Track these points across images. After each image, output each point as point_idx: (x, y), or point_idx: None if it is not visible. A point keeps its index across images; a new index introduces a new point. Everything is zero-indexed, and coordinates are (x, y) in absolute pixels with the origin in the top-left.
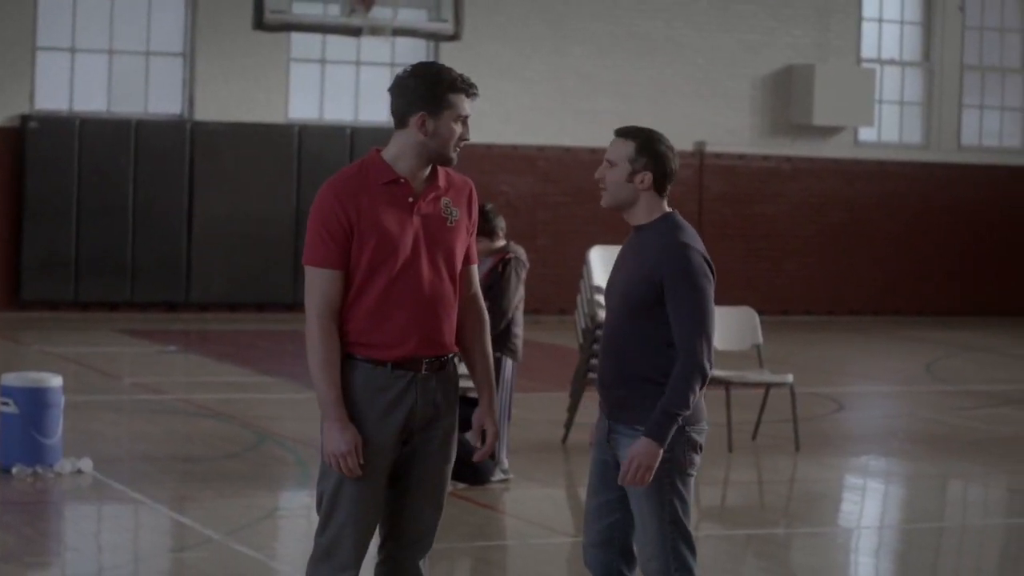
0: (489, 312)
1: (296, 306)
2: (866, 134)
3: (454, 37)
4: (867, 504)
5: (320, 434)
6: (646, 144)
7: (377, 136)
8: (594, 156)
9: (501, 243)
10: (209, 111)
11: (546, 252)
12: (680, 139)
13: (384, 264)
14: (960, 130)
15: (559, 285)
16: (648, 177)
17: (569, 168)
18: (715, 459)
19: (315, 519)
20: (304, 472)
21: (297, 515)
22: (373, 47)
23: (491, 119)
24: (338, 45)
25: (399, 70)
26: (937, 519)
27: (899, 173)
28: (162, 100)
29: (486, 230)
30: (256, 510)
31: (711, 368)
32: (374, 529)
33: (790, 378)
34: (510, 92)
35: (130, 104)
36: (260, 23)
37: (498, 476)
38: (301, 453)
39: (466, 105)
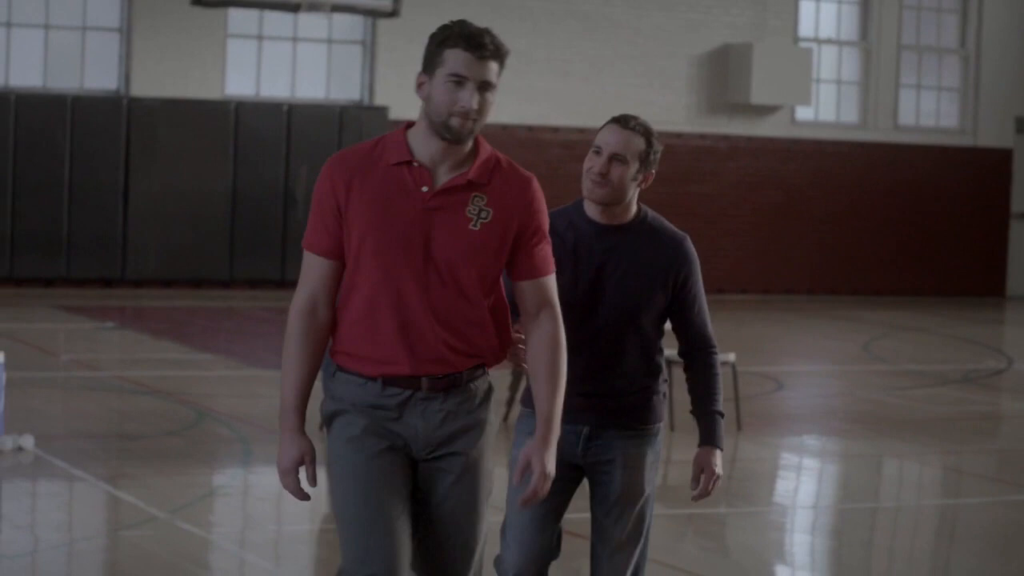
0: None
1: (232, 283)
2: (803, 113)
3: (392, 14)
4: (804, 483)
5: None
6: (655, 143)
7: (314, 113)
8: (531, 134)
9: None
10: (145, 87)
11: None
12: None
13: (372, 262)
14: (897, 110)
15: None
16: (651, 177)
17: (505, 146)
18: None
19: (257, 496)
20: (245, 449)
21: (238, 492)
22: (310, 23)
23: None
24: (275, 21)
25: (336, 47)
26: (873, 498)
27: (836, 152)
28: (98, 76)
29: None
30: (197, 488)
31: None
32: (399, 541)
33: (732, 357)
34: None
35: (66, 80)
36: None
37: None
38: (240, 430)
39: (466, 64)
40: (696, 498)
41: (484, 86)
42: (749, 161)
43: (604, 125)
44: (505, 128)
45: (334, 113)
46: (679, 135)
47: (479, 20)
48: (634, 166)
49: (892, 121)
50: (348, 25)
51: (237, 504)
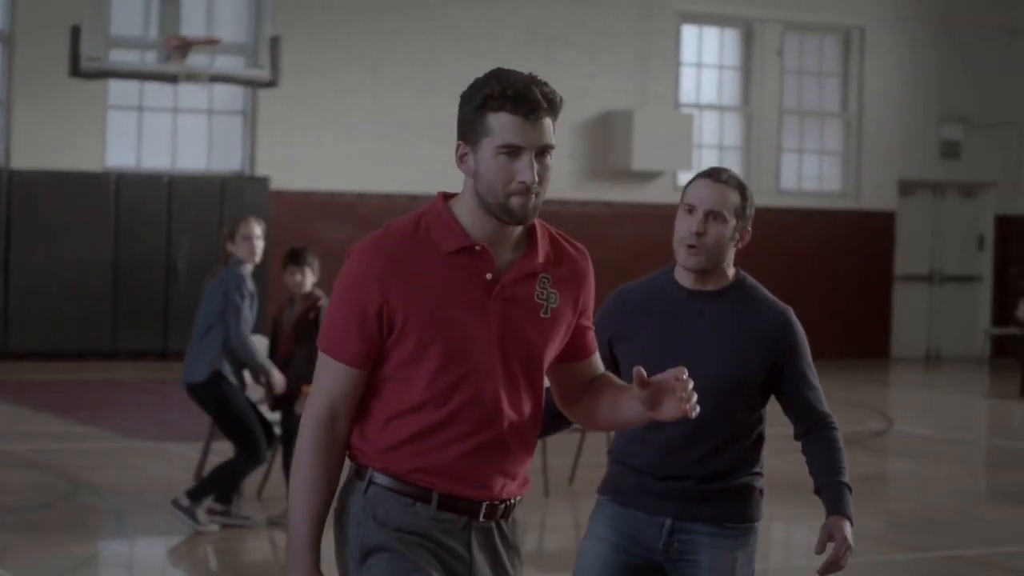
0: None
1: (115, 355)
2: (685, 179)
3: (271, 83)
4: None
5: None
6: (749, 196)
7: (196, 184)
8: (414, 202)
9: (308, 289)
10: (26, 159)
11: None
12: None
13: (442, 375)
14: (780, 174)
15: None
16: (748, 235)
17: (389, 215)
18: None
19: (133, 567)
20: (119, 520)
21: (112, 563)
22: (191, 94)
23: (310, 166)
24: (155, 92)
25: (216, 117)
26: (761, 561)
27: None
28: None
29: (310, 266)
30: (71, 559)
31: None
32: None
33: None
34: (329, 139)
35: None
36: (76, 70)
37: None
38: (116, 502)
39: (518, 130)
40: (823, 570)
41: (542, 152)
42: (633, 227)
43: (692, 180)
44: (388, 197)
45: (215, 184)
46: (562, 202)
47: (362, 89)
48: (732, 223)
49: (774, 185)
50: (229, 95)
51: (111, 575)
